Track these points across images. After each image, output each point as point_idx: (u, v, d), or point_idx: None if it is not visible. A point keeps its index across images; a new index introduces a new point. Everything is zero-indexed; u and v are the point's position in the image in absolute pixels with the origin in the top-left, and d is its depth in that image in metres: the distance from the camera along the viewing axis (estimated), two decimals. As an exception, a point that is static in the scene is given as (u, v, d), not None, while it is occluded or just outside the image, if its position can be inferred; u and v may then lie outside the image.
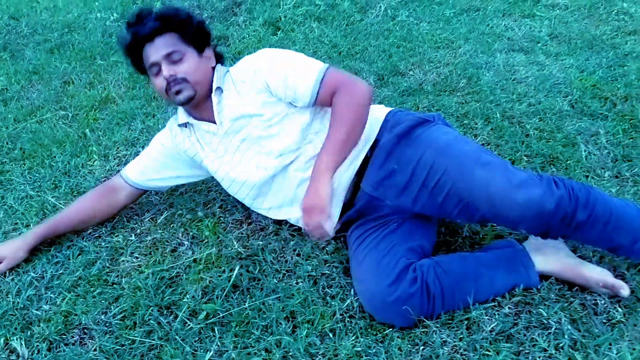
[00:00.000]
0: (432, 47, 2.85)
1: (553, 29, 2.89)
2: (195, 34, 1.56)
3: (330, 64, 1.52)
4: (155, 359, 1.35)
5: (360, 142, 1.52)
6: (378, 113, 1.59)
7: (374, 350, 1.31)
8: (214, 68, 1.61)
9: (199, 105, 1.58)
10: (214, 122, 1.58)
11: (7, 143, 2.34)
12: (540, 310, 1.36)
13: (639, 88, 2.25)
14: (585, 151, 1.93)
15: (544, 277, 1.45)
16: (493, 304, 1.39)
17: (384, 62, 2.70)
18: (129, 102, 2.57)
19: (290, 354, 1.32)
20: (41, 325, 1.45)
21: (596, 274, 1.38)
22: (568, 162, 1.88)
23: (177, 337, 1.38)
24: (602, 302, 1.37)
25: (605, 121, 2.09)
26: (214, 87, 1.56)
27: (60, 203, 1.89)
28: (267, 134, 1.52)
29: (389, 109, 1.62)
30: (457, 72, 2.54)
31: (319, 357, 1.31)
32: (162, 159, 1.70)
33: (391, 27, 3.14)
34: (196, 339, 1.38)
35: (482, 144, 2.02)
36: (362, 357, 1.30)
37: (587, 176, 1.81)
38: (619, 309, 1.35)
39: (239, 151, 1.57)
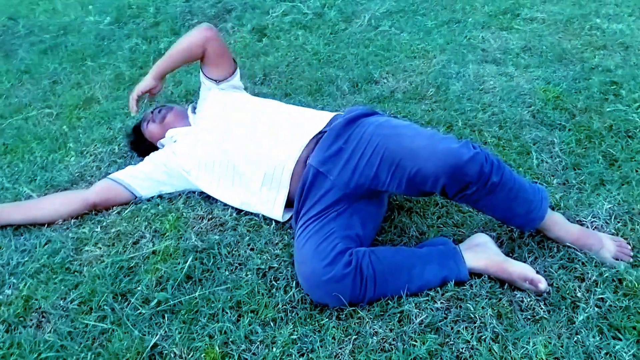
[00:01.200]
0: (408, 56, 2.94)
1: (527, 41, 2.97)
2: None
3: None
4: (105, 342, 1.43)
5: (304, 129, 1.72)
6: (325, 115, 1.75)
7: (310, 339, 1.39)
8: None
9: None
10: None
11: (-7, 139, 2.45)
12: (468, 305, 1.43)
13: (599, 100, 2.32)
14: (537, 159, 2.00)
15: (478, 275, 1.53)
16: (426, 298, 1.47)
17: (360, 70, 2.79)
18: (112, 102, 2.67)
19: (230, 340, 1.40)
20: (2, 308, 1.54)
21: (518, 269, 1.47)
22: (519, 168, 1.96)
23: (128, 322, 1.47)
24: (528, 299, 1.45)
25: (563, 131, 2.17)
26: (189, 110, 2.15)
27: (34, 194, 1.99)
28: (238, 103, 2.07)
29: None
30: (428, 81, 2.63)
31: (258, 343, 1.40)
32: (162, 167, 1.99)
33: (372, 37, 3.24)
34: (146, 324, 1.47)
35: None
36: (297, 344, 1.38)
37: (536, 182, 1.89)
38: (543, 307, 1.42)
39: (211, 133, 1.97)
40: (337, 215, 1.57)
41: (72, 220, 1.86)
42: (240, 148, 1.77)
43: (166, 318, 1.49)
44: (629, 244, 1.59)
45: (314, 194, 1.61)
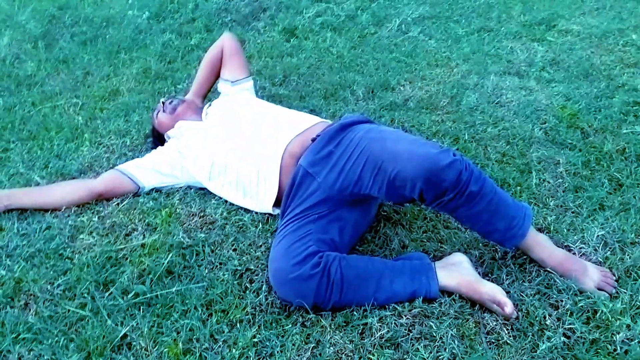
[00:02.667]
0: (430, 64, 2.91)
1: (556, 55, 2.88)
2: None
3: None
4: (80, 328, 1.50)
5: (291, 127, 1.81)
6: (313, 117, 1.86)
7: (272, 343, 1.42)
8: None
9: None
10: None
11: (19, 124, 2.58)
12: (433, 323, 1.43)
13: (618, 121, 2.24)
14: (538, 179, 1.96)
15: (449, 294, 1.51)
16: (393, 312, 1.47)
17: (379, 76, 2.78)
18: (134, 95, 2.77)
19: (196, 337, 1.45)
20: (-5, 288, 1.64)
21: (488, 289, 1.45)
22: (517, 187, 1.92)
23: (104, 311, 1.53)
24: (495, 323, 1.42)
25: (572, 151, 2.11)
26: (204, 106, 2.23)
27: (43, 182, 2.10)
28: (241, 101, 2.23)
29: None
30: (444, 91, 2.60)
31: (221, 343, 1.43)
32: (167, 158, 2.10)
33: (399, 42, 3.22)
34: (122, 315, 1.53)
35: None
36: (257, 347, 1.41)
37: (532, 203, 1.85)
38: (509, 332, 1.40)
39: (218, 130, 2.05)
40: (318, 218, 1.58)
41: (74, 208, 1.94)
42: (238, 144, 1.86)
43: (141, 310, 1.54)
44: (614, 275, 1.54)
45: (301, 193, 1.64)
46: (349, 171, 1.54)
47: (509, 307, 1.40)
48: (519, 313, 1.44)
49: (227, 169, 1.87)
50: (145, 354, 1.42)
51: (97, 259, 1.71)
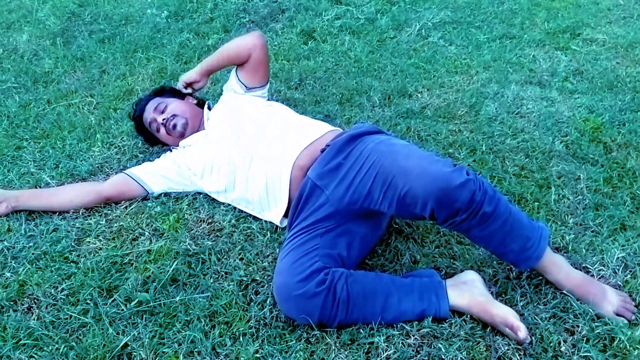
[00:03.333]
0: (449, 71, 2.85)
1: (580, 65, 2.80)
2: (170, 92, 2.21)
3: None
4: (81, 336, 1.48)
5: (302, 137, 1.76)
6: (327, 126, 1.81)
7: (274, 359, 1.38)
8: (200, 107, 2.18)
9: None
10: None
11: (33, 122, 2.57)
12: (442, 345, 1.37)
13: (643, 136, 2.16)
14: (557, 195, 1.89)
15: (460, 314, 1.46)
16: (400, 331, 1.42)
17: (397, 82, 2.73)
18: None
19: (197, 350, 1.41)
20: (-1, 290, 1.62)
21: (501, 312, 1.39)
22: (535, 203, 1.85)
23: (106, 319, 1.51)
24: (507, 347, 1.37)
25: (594, 166, 2.03)
26: (205, 108, 2.15)
27: (53, 182, 2.08)
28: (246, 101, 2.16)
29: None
30: (463, 99, 2.54)
31: (222, 357, 1.40)
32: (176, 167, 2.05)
33: (418, 48, 3.16)
34: (124, 323, 1.50)
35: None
36: (259, 363, 1.37)
37: (550, 220, 1.78)
38: (521, 357, 1.34)
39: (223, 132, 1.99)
40: (325, 232, 1.54)
41: (82, 210, 1.92)
42: (246, 154, 1.80)
43: (144, 319, 1.51)
44: (634, 300, 1.47)
45: (309, 206, 1.59)
46: (358, 185, 1.50)
47: (522, 332, 1.35)
48: (533, 338, 1.39)
49: (236, 179, 1.82)
50: (145, 366, 1.38)
51: (102, 264, 1.69)
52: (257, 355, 1.39)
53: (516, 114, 2.42)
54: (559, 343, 1.37)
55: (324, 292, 1.38)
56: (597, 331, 1.38)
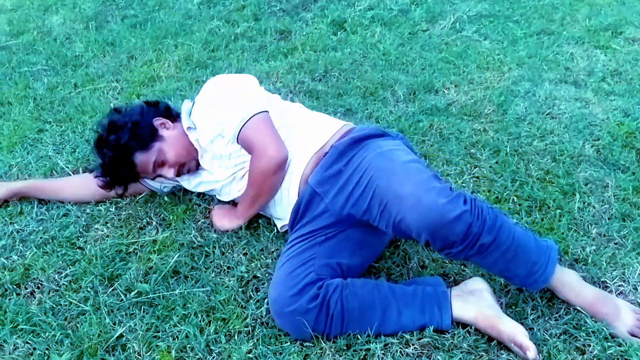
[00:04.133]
0: (480, 67, 2.74)
1: (619, 65, 2.66)
2: (145, 138, 1.69)
3: (260, 112, 1.59)
4: (78, 324, 1.47)
5: (307, 146, 1.61)
6: (334, 124, 1.65)
7: (267, 360, 1.34)
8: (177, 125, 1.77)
9: None
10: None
11: (58, 105, 2.60)
12: (441, 356, 1.31)
13: (681, 143, 2.03)
14: (582, 202, 1.79)
15: (465, 326, 1.39)
16: (400, 340, 1.36)
17: (424, 77, 2.64)
18: (172, 82, 2.74)
19: (190, 345, 1.39)
20: (5, 273, 1.63)
21: (509, 329, 1.32)
22: (557, 211, 1.76)
23: (105, 308, 1.50)
24: (511, 364, 1.29)
25: (625, 174, 1.92)
26: (188, 131, 1.74)
27: (68, 167, 2.09)
28: (234, 148, 1.66)
29: (354, 126, 1.64)
30: (491, 97, 2.43)
31: (215, 354, 1.37)
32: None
33: (450, 42, 3.06)
34: (122, 314, 1.49)
35: (476, 177, 1.94)
36: (251, 363, 1.34)
37: (571, 229, 1.69)
38: (525, 376, 1.27)
39: (212, 167, 1.73)
40: (325, 240, 1.49)
41: (94, 197, 1.92)
42: None
43: (142, 310, 1.50)
44: (655, 320, 1.37)
45: (310, 213, 1.54)
46: (358, 199, 1.41)
47: (532, 353, 1.27)
48: (540, 355, 1.31)
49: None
50: (137, 358, 1.37)
51: (107, 252, 1.68)
52: (250, 355, 1.35)
53: (547, 114, 2.30)
54: (568, 363, 1.29)
55: (317, 308, 1.33)
56: (610, 351, 1.29)
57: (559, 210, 1.76)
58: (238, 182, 1.70)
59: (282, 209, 1.64)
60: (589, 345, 1.32)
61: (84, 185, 1.89)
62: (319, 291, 1.34)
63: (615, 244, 1.63)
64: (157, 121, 1.74)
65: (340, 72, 2.75)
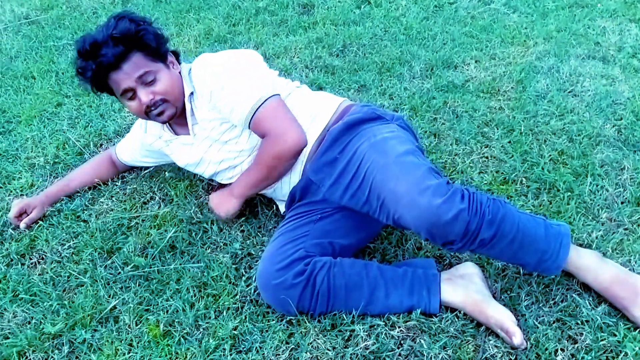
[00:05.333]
0: (505, 41, 2.64)
1: (654, 39, 2.51)
2: (158, 47, 1.51)
3: (273, 96, 1.47)
4: (73, 295, 1.51)
5: (309, 129, 1.52)
6: (332, 104, 1.57)
7: (251, 337, 1.35)
8: (179, 74, 1.58)
9: (176, 119, 1.61)
10: (188, 134, 1.61)
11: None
12: (426, 341, 1.29)
13: None
14: (594, 185, 1.71)
15: (454, 310, 1.36)
16: (386, 322, 1.34)
17: (444, 52, 2.56)
18: (191, 57, 2.74)
19: (178, 320, 1.41)
20: (12, 243, 1.68)
21: (497, 314, 1.28)
22: (567, 193, 1.69)
23: (101, 280, 1.53)
24: (496, 349, 1.26)
25: (645, 156, 1.82)
26: (187, 94, 1.55)
27: (79, 142, 2.13)
28: (233, 135, 1.56)
29: (350, 104, 1.58)
30: (511, 74, 2.34)
31: (202, 329, 1.38)
32: (143, 151, 1.81)
33: (477, 15, 2.95)
34: (119, 286, 1.52)
35: (485, 157, 1.88)
36: (236, 340, 1.34)
37: (579, 213, 1.62)
38: (510, 363, 1.23)
39: (206, 152, 1.62)
40: (320, 218, 1.47)
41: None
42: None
43: (137, 284, 1.52)
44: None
45: (307, 199, 1.53)
46: (356, 191, 1.38)
47: (517, 338, 1.23)
48: (528, 342, 1.27)
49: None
50: (127, 330, 1.39)
51: (109, 225, 1.71)
52: (236, 332, 1.36)
53: (568, 92, 2.20)
54: (556, 351, 1.24)
55: (302, 284, 1.32)
56: (603, 342, 1.24)
57: (569, 193, 1.69)
58: (231, 170, 1.64)
59: (282, 192, 1.61)
60: (581, 335, 1.27)
61: (100, 168, 1.90)
62: (306, 267, 1.33)
63: (625, 229, 1.55)
64: (170, 56, 1.58)
65: (358, 47, 2.70)
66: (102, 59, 1.44)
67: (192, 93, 1.56)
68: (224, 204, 1.60)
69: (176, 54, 1.64)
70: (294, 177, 1.56)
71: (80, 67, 1.49)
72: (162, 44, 1.54)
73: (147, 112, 1.53)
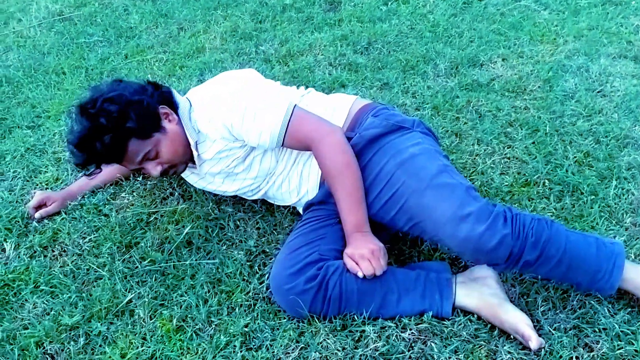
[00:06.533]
0: (534, 39, 2.58)
1: (691, 37, 2.42)
2: (148, 124, 1.44)
3: (294, 106, 1.44)
4: (91, 288, 1.54)
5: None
6: (344, 105, 1.55)
7: (262, 335, 1.35)
8: (179, 121, 1.52)
9: None
10: (194, 164, 1.58)
11: (106, 76, 2.69)
12: (437, 345, 1.27)
13: None
14: (619, 189, 1.66)
15: (468, 314, 1.34)
16: (397, 324, 1.33)
17: (470, 50, 2.52)
18: (216, 54, 2.77)
19: (191, 315, 1.42)
20: (36, 236, 1.72)
21: (512, 318, 1.26)
22: (591, 197, 1.64)
23: (119, 274, 1.55)
24: (509, 355, 1.23)
25: (675, 159, 1.76)
26: (192, 144, 1.50)
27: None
28: (242, 168, 1.55)
29: (364, 103, 1.56)
30: (539, 73, 2.29)
31: (214, 326, 1.39)
32: None
33: (507, 12, 2.90)
34: (136, 280, 1.54)
35: (507, 158, 1.84)
36: (247, 337, 1.35)
37: (602, 217, 1.57)
38: (522, 370, 1.21)
39: (220, 186, 1.63)
40: (337, 222, 1.45)
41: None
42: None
43: (153, 279, 1.54)
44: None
45: (327, 201, 1.51)
46: (379, 211, 1.40)
47: (533, 342, 1.21)
48: (542, 350, 1.24)
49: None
50: (142, 324, 1.41)
51: (129, 220, 1.74)
52: (247, 329, 1.37)
53: (597, 92, 2.14)
54: (571, 359, 1.21)
55: (314, 289, 1.31)
56: (620, 351, 1.21)
57: (593, 196, 1.64)
58: (256, 193, 1.65)
59: (291, 200, 1.63)
60: (598, 343, 1.24)
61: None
62: (318, 272, 1.33)
63: (650, 235, 1.51)
64: (162, 109, 1.49)
65: (383, 45, 2.68)
66: (101, 161, 1.48)
67: (196, 141, 1.51)
68: (362, 247, 1.34)
69: (168, 99, 1.53)
70: (312, 184, 1.55)
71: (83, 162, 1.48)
72: (148, 118, 1.44)
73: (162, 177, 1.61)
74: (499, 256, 1.23)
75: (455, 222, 1.25)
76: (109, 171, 1.88)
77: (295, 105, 1.46)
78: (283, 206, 1.73)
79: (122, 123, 1.39)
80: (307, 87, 1.69)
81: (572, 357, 1.22)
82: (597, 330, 1.26)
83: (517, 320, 1.25)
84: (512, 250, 1.22)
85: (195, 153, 1.52)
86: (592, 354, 1.22)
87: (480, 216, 1.23)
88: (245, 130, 1.42)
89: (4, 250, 1.68)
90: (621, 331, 1.24)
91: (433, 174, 1.34)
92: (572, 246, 1.26)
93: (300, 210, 1.64)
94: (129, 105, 1.42)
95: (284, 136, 1.42)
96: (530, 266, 1.26)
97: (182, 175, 1.71)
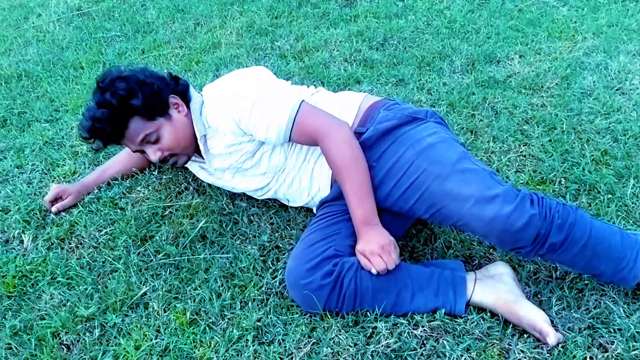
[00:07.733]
0: (552, 36, 2.56)
1: None
2: (151, 106, 1.49)
3: (301, 102, 1.45)
4: (107, 280, 1.55)
5: None
6: (354, 103, 1.55)
7: (275, 330, 1.36)
8: (188, 114, 1.57)
9: None
10: (202, 158, 1.63)
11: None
12: (449, 342, 1.27)
13: None
14: (636, 187, 1.64)
15: (480, 310, 1.34)
16: (409, 321, 1.33)
17: (487, 47, 2.50)
18: (232, 49, 2.77)
19: (204, 309, 1.43)
20: (53, 228, 1.75)
21: (529, 314, 1.26)
22: (608, 196, 1.62)
23: (134, 267, 1.57)
24: (522, 354, 1.23)
25: (695, 158, 1.73)
26: (199, 137, 1.55)
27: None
28: (251, 164, 1.56)
29: (374, 100, 1.56)
30: (556, 70, 2.27)
31: (226, 320, 1.40)
32: None
33: (525, 8, 2.87)
34: (150, 273, 1.56)
35: (522, 156, 1.83)
36: (260, 331, 1.36)
37: (619, 216, 1.56)
38: (535, 369, 1.20)
39: (230, 181, 1.65)
40: None
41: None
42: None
43: (168, 272, 1.56)
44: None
45: (342, 199, 1.51)
46: (397, 200, 1.40)
47: (551, 338, 1.21)
48: (555, 350, 1.23)
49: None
50: (156, 317, 1.43)
51: (144, 214, 1.75)
52: (259, 323, 1.37)
53: (616, 89, 2.11)
54: (585, 359, 1.20)
55: (330, 285, 1.31)
56: (635, 352, 1.19)
57: (610, 195, 1.62)
58: (266, 192, 1.66)
59: (302, 200, 1.63)
60: (613, 343, 1.22)
61: (134, 156, 1.90)
62: (334, 268, 1.33)
63: (667, 235, 1.48)
64: (173, 99, 1.54)
65: (399, 41, 2.67)
66: (103, 135, 1.52)
67: (203, 136, 1.55)
68: (372, 242, 1.34)
69: (183, 92, 1.58)
70: (323, 182, 1.56)
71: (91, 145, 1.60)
72: (155, 101, 1.50)
73: (162, 164, 1.63)
74: (526, 237, 1.22)
75: (483, 204, 1.24)
76: (124, 162, 1.91)
77: (303, 100, 1.47)
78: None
79: (127, 99, 1.45)
80: (321, 83, 1.69)
81: (586, 358, 1.21)
82: (612, 330, 1.25)
83: (534, 316, 1.25)
84: (540, 231, 1.22)
85: (202, 147, 1.55)
86: (606, 354, 1.21)
87: (507, 197, 1.24)
88: (254, 124, 1.45)
89: (22, 242, 1.71)
90: (637, 332, 1.23)
91: (455, 160, 1.34)
92: (597, 232, 1.26)
93: (314, 210, 1.64)
94: (139, 84, 1.49)
95: (291, 130, 1.44)
96: (555, 251, 1.25)
97: (192, 171, 1.73)
